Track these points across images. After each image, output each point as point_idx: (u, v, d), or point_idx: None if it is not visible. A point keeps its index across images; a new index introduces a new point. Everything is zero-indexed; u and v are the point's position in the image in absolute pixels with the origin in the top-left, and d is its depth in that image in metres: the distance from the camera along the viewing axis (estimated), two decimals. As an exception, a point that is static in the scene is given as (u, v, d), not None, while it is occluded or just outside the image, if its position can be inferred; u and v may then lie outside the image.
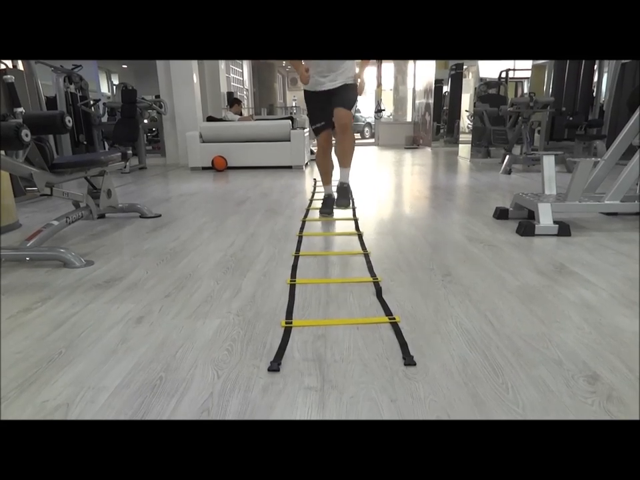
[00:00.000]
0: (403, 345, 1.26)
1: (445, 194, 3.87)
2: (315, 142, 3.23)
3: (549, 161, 2.66)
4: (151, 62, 6.95)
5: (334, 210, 3.07)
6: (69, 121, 2.12)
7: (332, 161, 3.06)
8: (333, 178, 3.19)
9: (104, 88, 8.45)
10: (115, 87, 8.42)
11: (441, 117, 9.65)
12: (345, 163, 2.99)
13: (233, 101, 7.15)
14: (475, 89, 7.28)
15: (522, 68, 7.70)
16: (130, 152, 3.04)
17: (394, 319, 1.42)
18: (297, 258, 2.07)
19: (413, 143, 10.38)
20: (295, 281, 1.78)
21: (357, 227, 2.64)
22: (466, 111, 7.95)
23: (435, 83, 9.43)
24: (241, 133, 5.95)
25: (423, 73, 10.13)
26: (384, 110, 11.26)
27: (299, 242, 2.35)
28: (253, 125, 6.11)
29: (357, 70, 2.88)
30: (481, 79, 7.35)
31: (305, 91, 2.93)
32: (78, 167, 2.46)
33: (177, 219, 3.01)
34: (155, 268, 1.98)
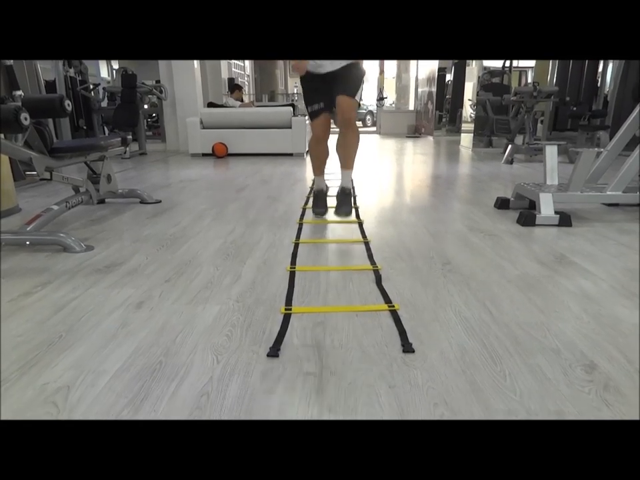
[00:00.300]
0: (402, 333, 1.26)
1: (446, 183, 3.86)
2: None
3: (551, 151, 2.64)
4: (151, 46, 6.85)
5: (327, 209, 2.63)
6: (69, 105, 2.10)
7: (328, 148, 2.53)
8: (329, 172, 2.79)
9: (104, 72, 8.36)
10: (114, 71, 8.33)
11: (443, 106, 9.58)
12: (347, 163, 2.46)
13: (234, 87, 7.08)
14: (478, 77, 7.21)
15: (526, 57, 7.61)
16: (130, 137, 3.02)
17: (393, 306, 1.43)
18: (296, 245, 2.07)
19: (415, 132, 10.31)
20: (294, 268, 1.78)
21: (357, 215, 2.64)
22: (469, 99, 7.88)
23: (437, 72, 9.33)
24: (241, 119, 5.91)
25: (426, 61, 10.02)
26: (386, 98, 11.16)
27: (299, 229, 2.34)
28: (254, 112, 6.06)
29: None
30: (485, 68, 7.27)
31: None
32: (77, 151, 2.44)
33: (177, 205, 3.00)
34: (155, 254, 1.98)
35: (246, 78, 11.06)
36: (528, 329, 1.29)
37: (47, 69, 6.05)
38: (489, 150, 6.57)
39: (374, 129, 11.64)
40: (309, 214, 2.71)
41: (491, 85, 7.04)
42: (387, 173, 4.66)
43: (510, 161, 5.06)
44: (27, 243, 2.03)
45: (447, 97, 9.51)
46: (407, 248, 2.05)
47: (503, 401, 0.98)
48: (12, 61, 3.58)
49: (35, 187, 3.66)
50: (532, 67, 7.57)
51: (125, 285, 1.63)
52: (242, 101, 6.92)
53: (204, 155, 5.99)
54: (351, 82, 2.29)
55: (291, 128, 5.85)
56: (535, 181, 2.77)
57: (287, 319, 1.35)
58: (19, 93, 2.11)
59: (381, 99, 10.83)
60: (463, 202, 3.08)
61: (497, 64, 7.38)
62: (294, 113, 5.90)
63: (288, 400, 0.99)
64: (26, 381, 1.05)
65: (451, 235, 2.27)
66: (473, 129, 6.98)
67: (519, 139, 5.70)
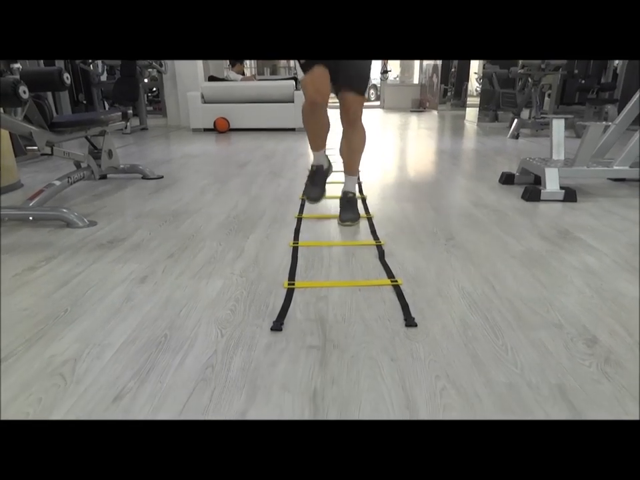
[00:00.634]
0: (405, 307, 1.27)
1: (451, 158, 3.81)
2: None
3: (558, 125, 2.59)
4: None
5: (324, 193, 2.10)
6: (67, 78, 2.07)
7: (328, 117, 1.92)
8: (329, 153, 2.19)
9: (102, 45, 8.22)
10: (113, 44, 8.17)
11: (448, 80, 9.38)
12: (352, 167, 2.07)
13: (235, 60, 6.94)
14: (485, 49, 7.02)
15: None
16: (130, 112, 2.98)
17: (396, 281, 1.43)
18: (299, 220, 2.07)
19: (420, 106, 10.14)
20: (297, 243, 1.78)
21: (360, 191, 2.62)
22: (474, 72, 7.71)
23: (443, 43, 9.09)
24: (243, 93, 5.81)
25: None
26: (390, 71, 10.93)
27: (302, 205, 2.33)
28: (256, 86, 5.96)
29: None
30: (492, 39, 7.08)
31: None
32: (78, 125, 2.41)
33: (179, 180, 2.99)
34: (157, 229, 1.97)
35: (247, 51, 10.83)
36: (531, 303, 1.30)
37: (45, 42, 5.93)
38: (494, 124, 6.47)
39: (377, 103, 11.45)
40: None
41: (497, 57, 6.87)
42: (391, 148, 4.60)
43: (516, 136, 4.99)
44: (30, 218, 2.03)
45: (452, 69, 9.30)
46: (411, 223, 2.04)
47: (504, 373, 0.99)
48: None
49: (36, 163, 3.64)
50: (540, 39, 7.36)
51: (129, 260, 1.63)
52: (243, 74, 6.80)
53: (205, 130, 5.92)
54: (358, 73, 1.82)
55: (293, 102, 5.76)
56: (541, 156, 2.73)
57: (290, 293, 1.36)
58: (17, 65, 2.07)
59: (384, 72, 10.61)
60: (467, 177, 3.05)
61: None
62: (296, 87, 5.80)
63: (291, 372, 1.00)
64: (33, 354, 1.07)
65: (454, 210, 2.25)
66: (478, 102, 6.85)
67: (525, 113, 5.61)
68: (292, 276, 1.48)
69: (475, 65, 7.89)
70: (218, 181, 2.94)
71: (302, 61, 1.86)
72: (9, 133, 2.75)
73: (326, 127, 1.97)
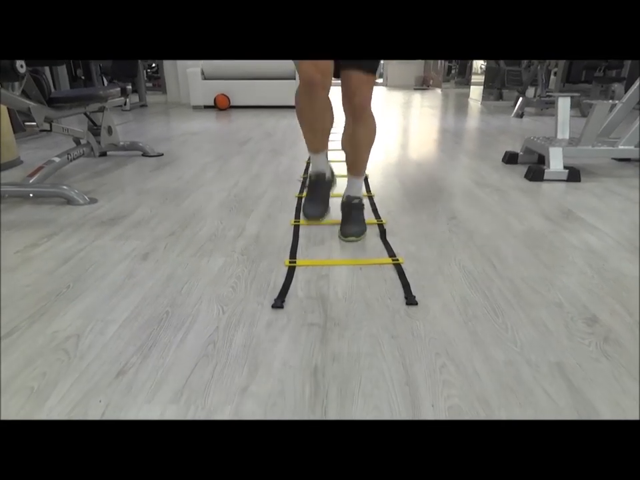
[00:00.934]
0: (405, 286, 1.27)
1: (454, 137, 3.77)
2: None
3: (564, 103, 2.55)
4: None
5: (326, 210, 1.71)
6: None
7: (331, 108, 1.47)
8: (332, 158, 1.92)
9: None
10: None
11: (453, 56, 9.19)
12: (357, 167, 1.63)
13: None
14: (491, 25, 6.87)
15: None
16: (129, 87, 2.93)
17: (397, 260, 1.43)
18: (300, 199, 2.06)
19: (423, 84, 9.98)
20: (298, 221, 1.77)
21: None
22: (480, 49, 7.55)
23: (448, 19, 8.89)
24: (244, 69, 5.71)
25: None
26: (394, 47, 10.71)
27: (303, 183, 2.32)
28: (257, 61, 5.85)
29: None
30: (498, 15, 6.91)
31: None
32: (76, 101, 2.38)
33: (179, 158, 2.96)
34: (158, 207, 1.97)
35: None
36: (531, 283, 1.30)
37: (41, 15, 5.81)
38: (499, 103, 6.38)
39: (380, 80, 11.27)
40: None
41: (503, 33, 6.72)
42: (394, 126, 4.55)
43: (520, 115, 4.92)
44: (30, 195, 2.03)
45: (457, 46, 9.10)
46: (413, 202, 2.03)
47: (504, 351, 1.00)
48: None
49: (35, 139, 3.61)
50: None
51: (130, 237, 1.63)
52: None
53: (206, 107, 5.85)
54: None
55: (295, 79, 5.67)
56: (545, 135, 2.70)
57: (291, 271, 1.36)
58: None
59: (388, 48, 10.39)
60: (470, 156, 3.02)
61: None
62: (298, 63, 5.70)
63: (293, 348, 1.01)
64: (36, 329, 1.08)
65: (457, 189, 2.24)
66: (483, 81, 6.74)
67: (530, 92, 5.51)
68: (293, 254, 1.48)
69: (481, 42, 7.72)
70: (219, 159, 2.92)
71: None
72: (8, 109, 2.72)
73: (328, 118, 1.48)
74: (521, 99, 4.99)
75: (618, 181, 2.37)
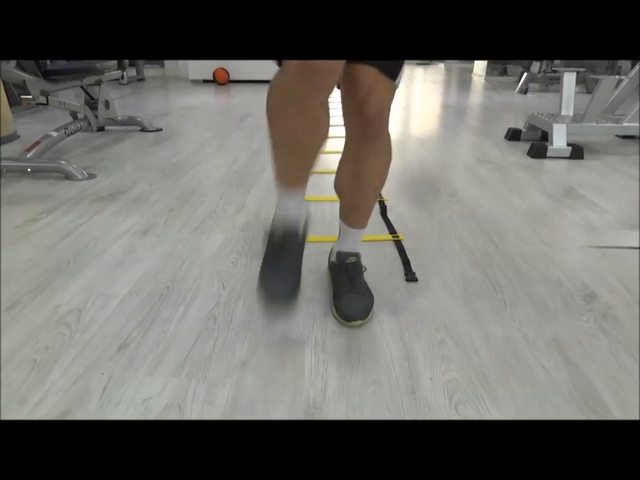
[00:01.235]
0: (406, 262, 1.27)
1: (457, 113, 3.72)
2: None
3: (569, 78, 2.51)
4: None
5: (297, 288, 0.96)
6: None
7: (327, 116, 0.86)
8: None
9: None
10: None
11: (457, 30, 8.99)
12: (360, 215, 1.12)
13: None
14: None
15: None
16: (127, 60, 2.87)
17: (398, 237, 1.43)
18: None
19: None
20: (299, 198, 1.76)
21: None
22: (485, 22, 7.37)
23: (453, -10, 8.66)
24: (243, 42, 5.59)
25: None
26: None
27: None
28: (256, 34, 5.72)
29: None
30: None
31: None
32: (73, 73, 2.33)
33: (178, 133, 2.93)
34: (158, 182, 1.95)
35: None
36: (531, 260, 1.30)
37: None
38: (502, 78, 6.26)
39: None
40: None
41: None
42: (395, 102, 4.48)
43: (524, 90, 4.84)
44: (28, 170, 2.01)
45: (462, 19, 8.89)
46: (414, 179, 2.01)
47: (502, 327, 1.01)
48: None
49: (32, 113, 3.56)
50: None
51: (130, 212, 1.62)
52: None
53: (205, 81, 5.74)
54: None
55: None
56: (549, 112, 2.66)
57: (291, 247, 1.36)
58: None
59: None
60: (472, 133, 2.98)
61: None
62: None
63: (293, 323, 1.02)
64: (38, 303, 1.08)
65: (459, 166, 2.22)
66: (487, 55, 6.59)
67: (535, 67, 5.40)
68: (293, 230, 1.46)
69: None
70: (218, 134, 2.88)
71: None
72: (3, 82, 2.67)
73: (322, 131, 0.88)
74: (525, 74, 4.90)
75: (621, 158, 2.35)
